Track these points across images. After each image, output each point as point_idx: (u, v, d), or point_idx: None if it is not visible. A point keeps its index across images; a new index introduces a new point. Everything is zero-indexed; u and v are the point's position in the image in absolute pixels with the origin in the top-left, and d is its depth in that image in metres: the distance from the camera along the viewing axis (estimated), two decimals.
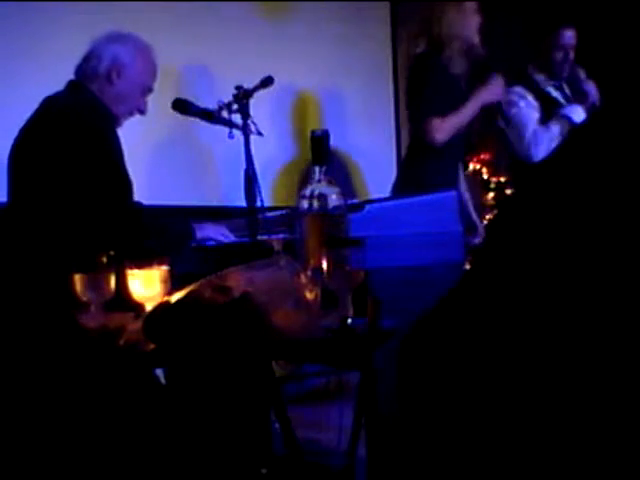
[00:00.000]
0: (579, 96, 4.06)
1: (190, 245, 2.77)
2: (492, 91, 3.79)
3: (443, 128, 3.63)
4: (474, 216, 4.07)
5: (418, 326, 0.97)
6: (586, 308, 0.89)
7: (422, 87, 3.70)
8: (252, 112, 2.66)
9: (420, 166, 3.71)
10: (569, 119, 3.99)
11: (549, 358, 0.89)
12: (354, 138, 4.78)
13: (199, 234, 2.78)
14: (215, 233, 2.82)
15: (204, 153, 4.26)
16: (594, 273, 0.89)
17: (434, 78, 3.67)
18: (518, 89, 4.09)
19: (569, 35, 4.10)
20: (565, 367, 0.89)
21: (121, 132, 2.86)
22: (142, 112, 2.96)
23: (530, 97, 4.08)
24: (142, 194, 2.85)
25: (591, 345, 0.88)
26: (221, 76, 3.94)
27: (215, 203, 4.17)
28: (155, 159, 4.05)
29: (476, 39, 3.74)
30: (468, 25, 3.71)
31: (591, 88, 4.05)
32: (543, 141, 3.94)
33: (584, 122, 1.06)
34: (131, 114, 2.95)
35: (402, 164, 3.81)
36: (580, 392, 0.89)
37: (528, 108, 4.07)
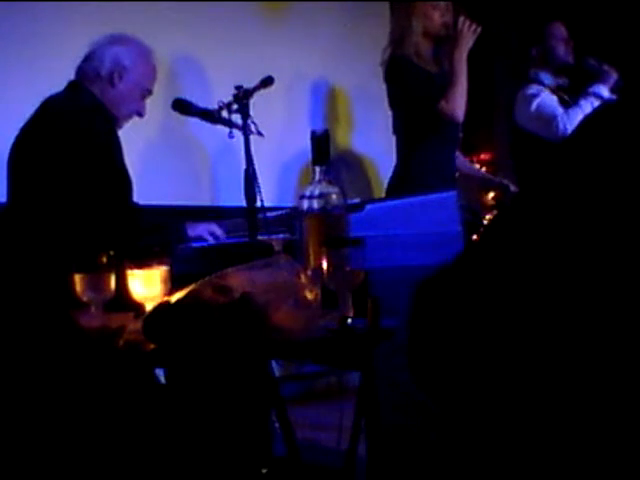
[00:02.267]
0: (600, 76, 4.02)
1: (182, 244, 2.79)
2: (464, 38, 3.58)
3: (453, 102, 3.54)
4: (496, 179, 4.13)
5: (437, 275, 0.98)
6: (595, 290, 0.89)
7: (406, 84, 3.63)
8: (252, 112, 2.66)
9: (421, 153, 3.65)
10: (599, 96, 3.96)
11: (556, 331, 0.90)
12: (354, 138, 4.78)
13: (190, 232, 2.82)
14: (204, 231, 2.85)
15: (203, 153, 4.26)
16: (612, 263, 0.89)
17: (411, 71, 3.61)
18: (532, 85, 4.10)
19: (560, 27, 4.12)
20: (568, 341, 0.89)
21: (120, 132, 2.86)
22: (141, 115, 2.98)
23: (547, 90, 4.09)
24: (141, 194, 2.86)
25: (595, 320, 0.88)
26: (220, 76, 3.94)
27: (215, 203, 4.17)
28: (155, 159, 4.04)
29: (441, 31, 3.65)
30: (419, 21, 3.63)
31: (609, 68, 4.02)
32: (576, 117, 3.90)
33: (597, 111, 1.05)
34: (130, 116, 2.96)
35: (400, 160, 3.75)
36: (579, 359, 0.89)
37: (550, 96, 4.07)
